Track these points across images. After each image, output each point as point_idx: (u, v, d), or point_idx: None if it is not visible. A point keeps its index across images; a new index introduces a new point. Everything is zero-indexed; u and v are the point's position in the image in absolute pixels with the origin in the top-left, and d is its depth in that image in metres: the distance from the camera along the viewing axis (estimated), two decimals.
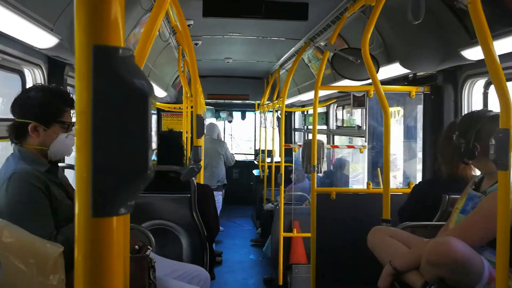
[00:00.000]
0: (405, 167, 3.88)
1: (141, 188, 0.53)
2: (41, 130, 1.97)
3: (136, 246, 2.08)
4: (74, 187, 2.31)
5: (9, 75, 2.65)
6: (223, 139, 7.19)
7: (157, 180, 2.79)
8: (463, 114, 3.22)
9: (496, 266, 1.49)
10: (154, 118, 0.53)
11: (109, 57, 0.50)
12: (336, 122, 6.40)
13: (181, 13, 2.39)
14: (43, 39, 2.26)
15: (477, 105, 3.17)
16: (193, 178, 2.66)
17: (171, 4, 2.31)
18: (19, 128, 1.97)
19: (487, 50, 1.53)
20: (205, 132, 6.25)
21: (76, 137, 0.51)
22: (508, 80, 2.80)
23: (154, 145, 0.54)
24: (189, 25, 4.01)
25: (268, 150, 7.19)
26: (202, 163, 3.96)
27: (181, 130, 5.15)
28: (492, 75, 1.53)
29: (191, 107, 4.92)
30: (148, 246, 2.12)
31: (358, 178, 5.55)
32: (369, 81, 2.97)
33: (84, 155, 0.50)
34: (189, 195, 2.68)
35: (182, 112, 5.53)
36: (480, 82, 3.15)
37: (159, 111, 7.72)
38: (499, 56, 2.41)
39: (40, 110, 1.95)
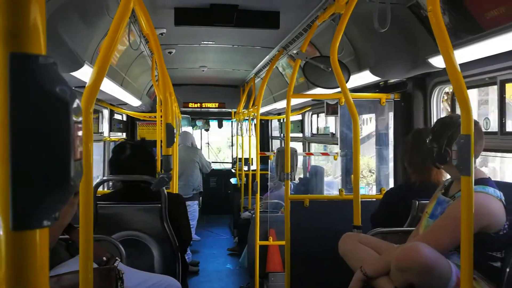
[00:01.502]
0: (377, 174, 3.92)
1: (65, 199, 0.51)
2: None
3: (104, 258, 2.04)
4: None
5: None
6: (198, 147, 7.12)
7: (128, 190, 2.77)
8: (432, 121, 3.28)
9: (460, 269, 1.50)
10: (81, 126, 0.52)
11: (27, 65, 0.49)
12: (311, 129, 6.44)
13: (150, 20, 2.37)
14: None
15: (446, 112, 3.23)
16: (164, 187, 2.63)
17: (139, 12, 2.29)
18: None
19: (448, 58, 1.55)
20: (179, 140, 6.23)
21: None
22: (470, 87, 2.88)
23: (78, 155, 0.52)
24: (162, 34, 4.00)
25: (245, 158, 7.18)
26: (175, 172, 3.93)
27: (156, 139, 5.12)
28: (453, 82, 1.56)
29: None
30: (117, 258, 2.08)
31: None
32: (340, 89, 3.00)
33: (2, 165, 0.48)
34: (159, 205, 2.65)
35: (156, 121, 5.49)
36: (448, 89, 3.22)
37: (134, 120, 7.65)
38: (464, 64, 2.49)
39: None
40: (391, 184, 3.70)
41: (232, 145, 10.05)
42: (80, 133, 0.53)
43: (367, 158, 5.60)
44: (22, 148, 0.49)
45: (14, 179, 0.48)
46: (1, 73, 0.49)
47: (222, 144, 13.06)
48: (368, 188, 5.48)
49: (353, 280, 2.26)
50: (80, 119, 0.53)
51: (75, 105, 0.51)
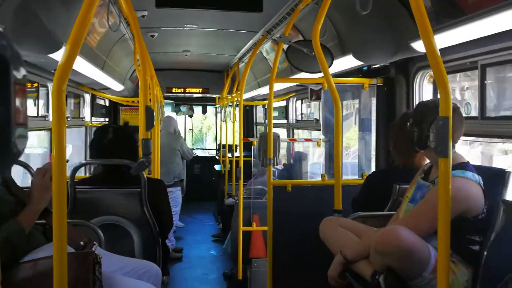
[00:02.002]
0: (359, 158, 3.94)
1: (8, 166, 0.49)
2: None
3: (82, 242, 2.01)
4: (16, 184, 2.22)
5: None
6: (180, 133, 7.00)
7: (108, 175, 2.73)
8: (415, 105, 3.28)
9: (437, 252, 1.51)
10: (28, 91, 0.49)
11: None
12: (295, 115, 6.42)
13: (129, 2, 2.32)
14: None
15: (428, 96, 3.24)
16: (144, 172, 2.60)
17: None
18: None
19: (428, 42, 1.54)
20: (161, 126, 6.15)
21: None
22: (452, 72, 2.88)
23: (21, 119, 0.49)
24: (143, 16, 3.92)
25: (229, 145, 7.15)
26: (156, 157, 3.89)
27: (138, 125, 5.05)
28: (432, 67, 1.55)
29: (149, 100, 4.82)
30: (95, 242, 2.06)
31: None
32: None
33: None
34: (139, 190, 2.62)
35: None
36: (431, 74, 3.22)
37: (117, 105, 7.55)
38: (446, 48, 2.48)
39: None
40: (373, 169, 3.71)
41: (216, 131, 10.00)
42: (23, 97, 0.49)
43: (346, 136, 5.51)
44: None
45: None
46: None
47: (205, 130, 13.01)
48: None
49: (333, 263, 2.27)
50: (23, 81, 0.50)
51: (17, 65, 0.48)
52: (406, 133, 2.54)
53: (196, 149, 8.52)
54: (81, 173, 4.06)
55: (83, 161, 2.77)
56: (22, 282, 1.88)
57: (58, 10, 2.75)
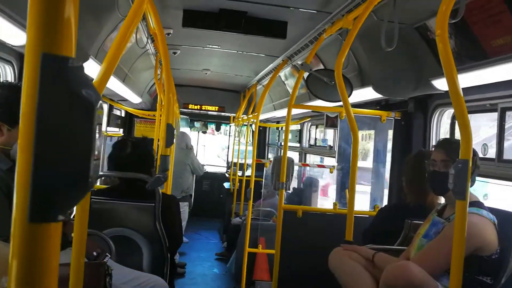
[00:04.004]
0: (372, 190, 3.93)
1: (81, 197, 0.52)
2: (5, 129, 1.92)
3: (94, 253, 2.04)
4: None
5: None
6: (193, 149, 7.05)
7: (125, 187, 2.76)
8: (432, 142, 3.30)
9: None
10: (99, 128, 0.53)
11: (57, 66, 0.51)
12: (309, 140, 6.45)
13: (159, 20, 2.39)
14: (15, 35, 2.22)
15: (445, 134, 3.25)
16: (159, 187, 2.63)
17: (149, 11, 2.30)
18: None
19: (451, 82, 1.57)
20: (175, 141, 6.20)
21: (19, 141, 0.50)
22: (471, 112, 2.90)
23: (97, 154, 0.54)
24: (168, 34, 4.01)
25: (240, 164, 7.17)
26: (170, 173, 3.93)
27: (153, 138, 5.11)
28: (455, 106, 1.58)
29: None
30: (107, 253, 2.08)
31: None
32: (341, 103, 3.02)
33: (26, 159, 0.50)
34: (153, 205, 2.65)
35: (155, 119, 5.48)
36: (449, 112, 3.24)
37: (132, 117, 7.64)
38: (466, 88, 2.51)
39: (5, 109, 1.90)
40: (385, 202, 3.71)
41: (228, 150, 10.04)
42: (99, 133, 0.54)
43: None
44: (46, 145, 0.50)
45: (36, 174, 0.49)
46: (33, 72, 0.50)
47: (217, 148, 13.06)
48: None
49: None
50: (101, 121, 0.55)
51: (98, 108, 0.53)
52: (420, 171, 2.55)
53: (207, 165, 8.55)
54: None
55: (100, 173, 2.81)
56: None
57: (88, 23, 2.83)
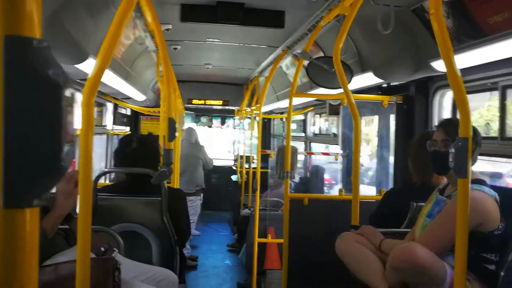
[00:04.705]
0: (377, 174, 3.94)
1: (55, 180, 0.53)
2: None
3: (102, 248, 2.06)
4: None
5: None
6: (201, 144, 7.13)
7: (131, 183, 2.79)
8: (433, 124, 3.29)
9: (454, 270, 1.52)
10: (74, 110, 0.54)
11: (22, 47, 0.50)
12: (313, 129, 6.45)
13: (155, 16, 2.39)
14: None
15: (447, 115, 3.24)
16: (164, 181, 2.65)
17: (145, 7, 2.31)
18: None
19: (448, 62, 1.57)
20: (183, 136, 6.25)
21: None
22: (472, 92, 2.89)
23: (70, 138, 0.54)
24: (167, 30, 4.02)
25: (246, 156, 7.20)
26: (176, 167, 3.96)
27: (159, 134, 5.14)
28: (452, 86, 1.57)
29: None
30: (114, 248, 2.11)
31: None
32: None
33: None
34: (160, 199, 2.67)
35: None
36: (450, 93, 3.23)
37: (138, 114, 7.67)
38: (466, 68, 2.50)
39: None
40: (391, 185, 3.72)
41: (234, 143, 10.07)
42: (71, 116, 0.54)
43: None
44: (15, 129, 0.51)
45: (7, 159, 0.50)
46: None
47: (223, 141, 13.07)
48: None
49: None
50: (71, 102, 0.55)
51: (67, 89, 0.53)
52: (425, 152, 2.55)
53: (214, 159, 8.60)
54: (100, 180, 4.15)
55: (106, 169, 2.84)
56: (44, 285, 1.93)
57: (85, 21, 2.84)
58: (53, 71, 0.52)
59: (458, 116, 1.63)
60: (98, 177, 2.73)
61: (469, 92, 2.83)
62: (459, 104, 1.57)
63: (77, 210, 1.98)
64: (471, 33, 2.31)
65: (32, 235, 0.52)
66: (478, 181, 2.12)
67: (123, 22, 1.44)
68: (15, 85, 0.50)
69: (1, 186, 0.50)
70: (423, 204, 2.50)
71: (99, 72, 1.42)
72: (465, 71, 2.46)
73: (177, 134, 2.88)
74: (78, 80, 3.78)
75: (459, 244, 1.52)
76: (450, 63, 1.57)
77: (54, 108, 0.52)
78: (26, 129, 0.51)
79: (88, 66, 2.96)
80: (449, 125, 2.29)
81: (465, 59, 2.37)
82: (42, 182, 0.52)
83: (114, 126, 6.24)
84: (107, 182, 4.34)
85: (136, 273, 2.27)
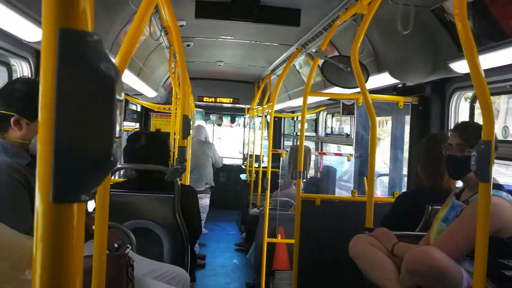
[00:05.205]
0: (390, 176, 3.90)
1: (104, 176, 0.52)
2: (24, 123, 1.94)
3: (115, 244, 2.06)
4: None
5: None
6: (211, 141, 7.14)
7: (142, 179, 2.79)
8: (450, 126, 3.25)
9: (474, 274, 1.49)
10: (120, 105, 0.52)
11: (76, 41, 0.50)
12: (325, 129, 6.41)
13: (172, 13, 2.38)
14: (31, 32, 2.23)
15: (464, 118, 3.20)
16: (178, 178, 2.64)
17: (162, 3, 2.30)
18: (1, 120, 1.94)
19: (472, 63, 1.54)
20: (192, 134, 6.25)
21: (40, 119, 0.50)
22: (493, 94, 2.85)
23: (117, 133, 0.53)
24: (181, 26, 4.00)
25: (256, 155, 7.17)
26: (188, 164, 3.95)
27: (169, 131, 5.14)
28: (476, 88, 1.54)
29: None
30: (128, 245, 2.10)
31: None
32: (358, 89, 2.98)
33: (47, 138, 0.49)
34: (172, 196, 2.66)
35: (171, 113, 5.51)
36: (468, 95, 3.19)
37: (148, 111, 7.68)
38: (486, 70, 2.46)
39: (24, 103, 1.92)
40: (404, 188, 3.68)
41: (243, 141, 10.05)
42: (121, 111, 0.53)
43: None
44: (68, 123, 0.50)
45: (58, 153, 0.49)
46: (51, 48, 0.50)
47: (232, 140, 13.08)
48: None
49: None
50: (122, 97, 0.54)
51: (119, 84, 0.52)
52: (433, 155, 2.52)
53: (224, 157, 8.60)
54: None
55: (119, 165, 2.83)
56: None
57: (101, 17, 2.84)
58: (105, 64, 0.51)
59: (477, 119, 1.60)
60: (112, 173, 2.72)
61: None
62: (483, 106, 1.54)
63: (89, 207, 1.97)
64: (492, 35, 2.27)
65: (78, 229, 0.52)
66: (495, 186, 2.09)
67: (143, 20, 1.43)
68: (70, 78, 0.50)
69: (51, 181, 0.49)
70: (438, 207, 2.47)
71: (119, 70, 1.41)
72: (485, 72, 2.42)
73: (190, 131, 2.87)
74: None
75: (479, 250, 1.49)
76: (474, 64, 1.54)
77: (107, 102, 0.51)
78: (79, 123, 0.50)
79: None
80: (465, 130, 2.26)
81: (485, 61, 2.32)
82: (92, 177, 0.51)
83: (124, 122, 6.25)
84: (117, 178, 4.34)
85: (148, 270, 2.26)
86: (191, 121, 2.58)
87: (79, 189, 0.51)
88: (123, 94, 0.55)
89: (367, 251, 2.35)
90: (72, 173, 0.50)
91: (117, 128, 0.53)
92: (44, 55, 0.50)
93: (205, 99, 8.23)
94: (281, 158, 5.20)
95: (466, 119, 3.08)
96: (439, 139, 2.68)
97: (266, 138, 6.49)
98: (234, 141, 11.23)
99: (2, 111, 1.94)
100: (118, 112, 0.53)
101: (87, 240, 2.04)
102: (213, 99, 8.24)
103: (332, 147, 6.64)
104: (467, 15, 2.31)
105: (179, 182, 2.67)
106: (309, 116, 6.80)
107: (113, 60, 1.50)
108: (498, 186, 2.11)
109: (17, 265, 1.56)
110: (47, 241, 0.50)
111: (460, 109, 3.27)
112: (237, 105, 8.47)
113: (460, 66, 2.67)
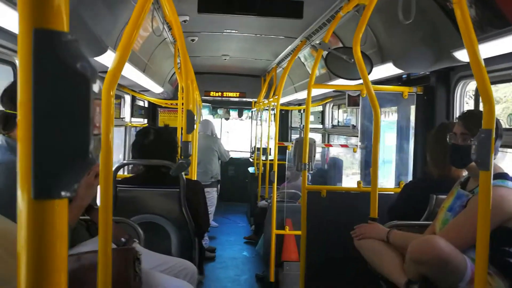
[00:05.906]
0: (396, 167, 3.90)
1: (82, 172, 0.54)
2: None
3: (122, 239, 2.09)
4: None
5: (1, 67, 2.66)
6: (218, 136, 7.16)
7: (149, 175, 2.82)
8: (455, 115, 3.24)
9: (475, 264, 1.50)
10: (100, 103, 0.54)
11: (50, 41, 0.51)
12: (332, 121, 6.41)
13: (173, 7, 2.39)
14: None
15: (469, 107, 3.19)
16: (183, 173, 2.67)
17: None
18: (7, 119, 1.97)
19: (472, 51, 1.54)
20: (199, 128, 6.28)
21: (18, 118, 0.52)
22: (495, 82, 2.83)
23: (96, 131, 0.55)
24: (185, 21, 4.02)
25: (263, 148, 7.19)
26: (193, 158, 3.98)
27: (176, 126, 5.17)
28: (476, 76, 1.54)
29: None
30: (135, 239, 2.13)
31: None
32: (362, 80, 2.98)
33: (25, 136, 0.51)
34: (178, 190, 2.69)
35: (177, 108, 5.54)
36: (473, 84, 3.17)
37: (155, 107, 7.72)
38: (490, 58, 2.44)
39: None
40: (410, 178, 3.68)
41: (251, 135, 10.07)
42: (98, 109, 0.55)
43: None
44: (44, 121, 0.52)
45: (36, 150, 0.51)
46: (26, 48, 0.51)
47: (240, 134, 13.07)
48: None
49: None
50: (99, 95, 0.56)
51: (95, 82, 0.54)
52: (443, 144, 2.52)
53: (231, 151, 8.63)
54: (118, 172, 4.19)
55: (125, 161, 2.87)
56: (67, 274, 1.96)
57: (104, 14, 2.86)
58: (81, 64, 0.53)
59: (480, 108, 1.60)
60: (118, 168, 2.76)
61: (492, 83, 2.78)
62: (483, 95, 1.54)
63: (98, 202, 2.00)
64: (494, 23, 2.26)
65: (60, 225, 0.54)
66: (501, 175, 2.08)
67: (142, 14, 1.45)
68: (44, 78, 0.51)
69: (31, 177, 0.51)
70: (443, 196, 2.47)
71: (119, 65, 1.43)
72: (488, 60, 2.41)
73: (195, 126, 2.89)
74: (98, 73, 3.81)
75: (480, 239, 1.49)
76: (473, 53, 1.54)
77: (82, 101, 0.53)
78: (55, 121, 0.52)
79: (107, 58, 2.98)
80: (469, 119, 2.25)
81: (488, 49, 2.32)
82: (71, 174, 0.53)
83: (132, 118, 6.29)
84: (125, 174, 4.39)
85: (155, 264, 2.29)
86: (195, 116, 2.59)
87: (59, 185, 0.53)
88: (99, 90, 0.57)
89: (371, 241, 2.36)
90: (51, 170, 0.52)
91: (97, 125, 0.54)
92: (20, 55, 0.52)
93: (212, 93, 8.25)
94: (287, 150, 5.21)
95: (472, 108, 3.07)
96: (448, 128, 2.67)
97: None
98: (243, 135, 11.22)
99: (8, 110, 1.98)
100: (96, 110, 0.54)
101: (96, 235, 2.08)
102: (219, 93, 8.26)
103: (340, 139, 6.63)
104: (469, 3, 2.30)
105: (184, 177, 2.70)
106: (316, 108, 6.79)
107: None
108: (504, 176, 2.10)
109: (12, 250, 1.59)
110: (30, 238, 0.52)
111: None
112: (244, 99, 8.48)
113: (464, 55, 2.66)
